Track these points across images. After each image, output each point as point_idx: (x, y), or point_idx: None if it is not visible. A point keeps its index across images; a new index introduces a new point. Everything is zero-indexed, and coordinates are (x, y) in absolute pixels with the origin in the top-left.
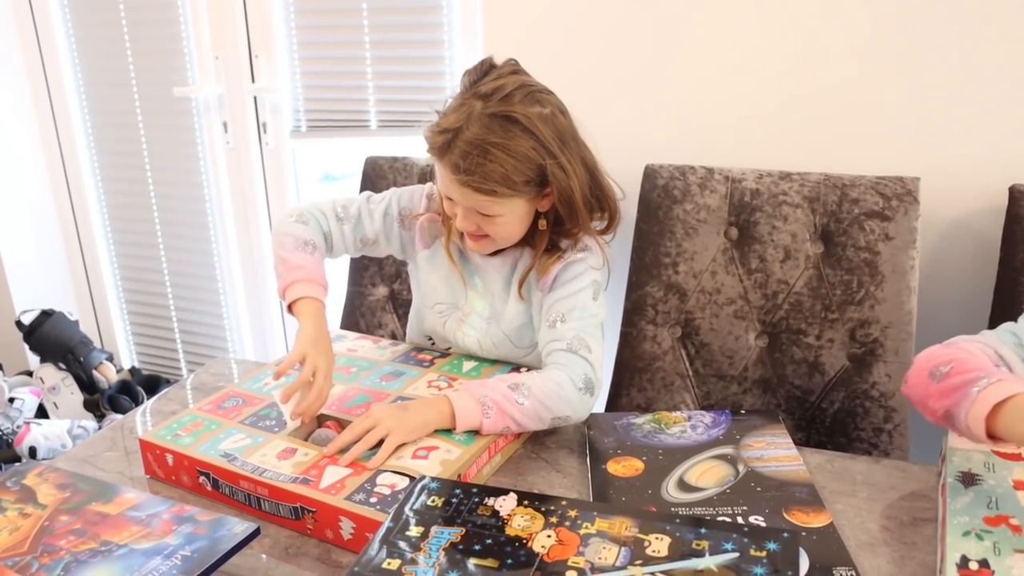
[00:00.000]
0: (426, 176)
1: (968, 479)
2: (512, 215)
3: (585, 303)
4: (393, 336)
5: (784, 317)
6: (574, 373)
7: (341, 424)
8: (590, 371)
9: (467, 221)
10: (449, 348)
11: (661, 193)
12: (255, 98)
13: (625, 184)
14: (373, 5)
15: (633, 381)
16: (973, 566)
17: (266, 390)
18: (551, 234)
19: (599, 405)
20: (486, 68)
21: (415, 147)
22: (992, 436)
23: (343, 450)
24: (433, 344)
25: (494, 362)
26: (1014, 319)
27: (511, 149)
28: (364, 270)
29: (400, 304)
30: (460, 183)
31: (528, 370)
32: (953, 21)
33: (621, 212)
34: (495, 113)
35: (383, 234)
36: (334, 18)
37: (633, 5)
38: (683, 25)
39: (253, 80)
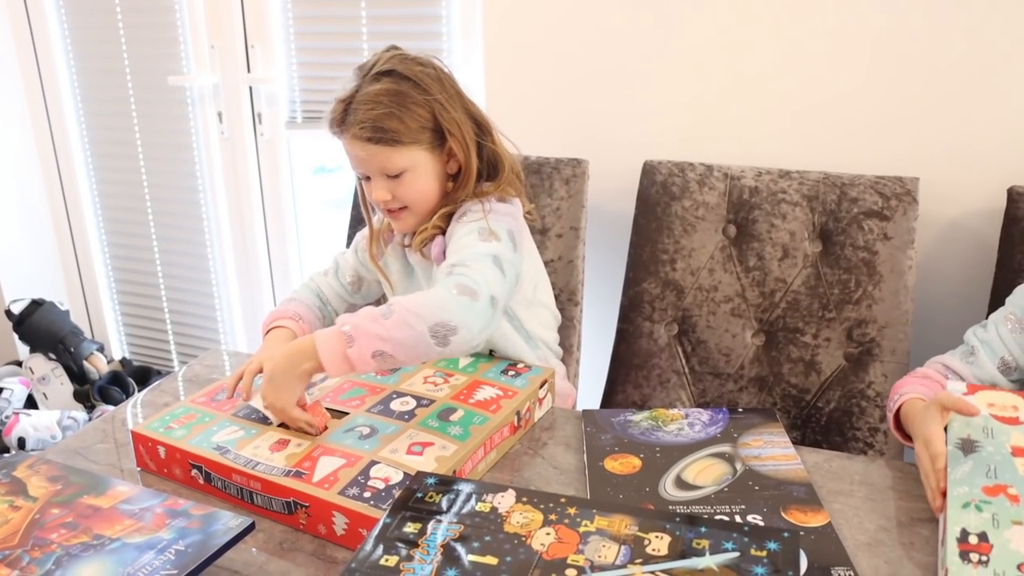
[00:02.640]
0: None
1: (967, 446)
2: (418, 170)
3: (470, 243)
4: None
5: (781, 316)
6: (446, 284)
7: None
8: (466, 280)
9: (380, 190)
10: None
11: (660, 189)
12: (250, 88)
13: (624, 180)
14: None
15: (629, 378)
16: (973, 540)
17: (259, 382)
18: (443, 208)
19: (594, 401)
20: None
21: None
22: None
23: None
24: None
25: (490, 358)
26: None
27: (401, 95)
28: None
29: None
30: (361, 140)
31: (525, 365)
32: (954, 22)
33: (520, 171)
34: (380, 72)
35: (361, 268)
36: (331, 8)
37: (633, 3)
38: (684, 22)
39: (249, 70)
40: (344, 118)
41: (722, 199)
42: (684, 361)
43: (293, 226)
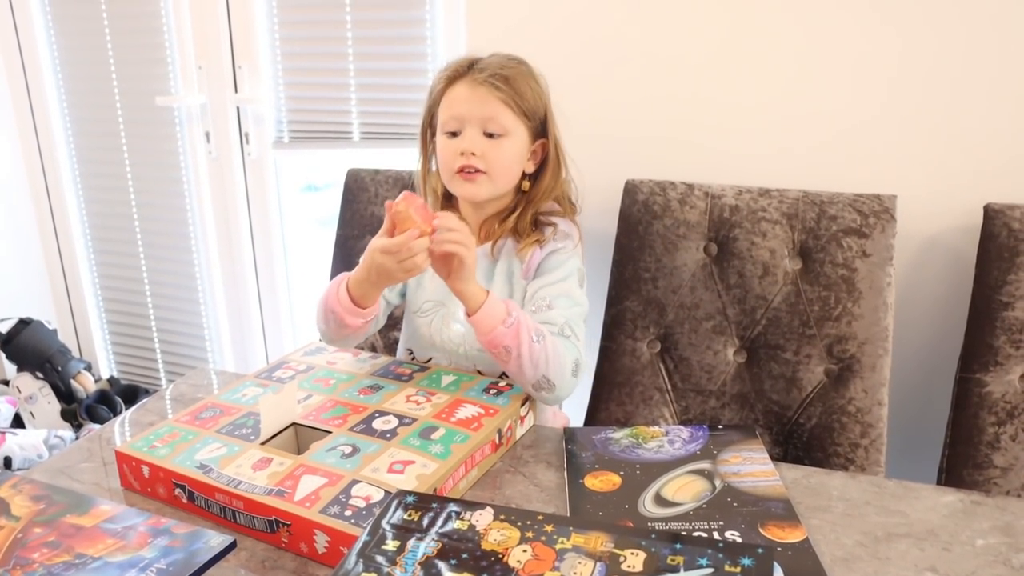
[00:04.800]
0: (409, 188)
1: None
2: (514, 142)
3: (572, 291)
4: (373, 349)
5: (762, 333)
6: (569, 351)
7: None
8: (579, 357)
9: (474, 141)
10: (429, 360)
11: (641, 208)
12: (238, 108)
13: (605, 199)
14: (357, 17)
15: (612, 395)
16: None
17: (244, 400)
18: (530, 210)
19: (577, 419)
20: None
21: (397, 159)
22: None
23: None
24: (413, 358)
25: (472, 377)
26: (989, 335)
27: (530, 74)
28: None
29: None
30: (485, 85)
31: (506, 383)
32: (930, 41)
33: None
34: (507, 55)
35: None
36: (318, 29)
37: (614, 23)
38: (665, 42)
39: (236, 90)
40: (465, 71)
41: (703, 217)
42: (667, 378)
43: (280, 245)
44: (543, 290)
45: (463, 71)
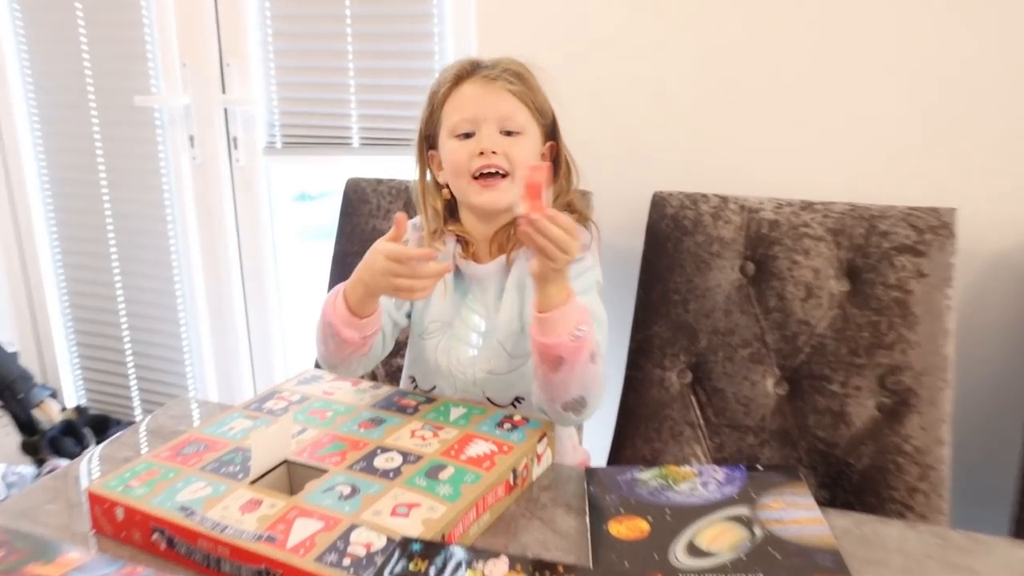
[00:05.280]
0: (404, 206)
1: None
2: (532, 142)
3: (595, 307)
4: (374, 378)
5: (806, 362)
6: (601, 371)
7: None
8: (604, 373)
9: (493, 140)
10: (433, 388)
11: (670, 224)
12: (225, 110)
13: (630, 213)
14: (357, 12)
15: (638, 431)
16: None
17: (232, 434)
18: None
19: (600, 457)
20: None
21: (401, 168)
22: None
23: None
24: (416, 386)
25: (483, 410)
26: None
27: (533, 74)
28: None
29: None
30: (493, 80)
31: (522, 416)
32: (992, 37)
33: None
34: (508, 57)
35: None
36: (314, 25)
37: (639, 22)
38: (695, 40)
39: (224, 90)
40: (473, 71)
41: (739, 234)
42: (699, 412)
43: (271, 260)
44: None
45: (469, 70)
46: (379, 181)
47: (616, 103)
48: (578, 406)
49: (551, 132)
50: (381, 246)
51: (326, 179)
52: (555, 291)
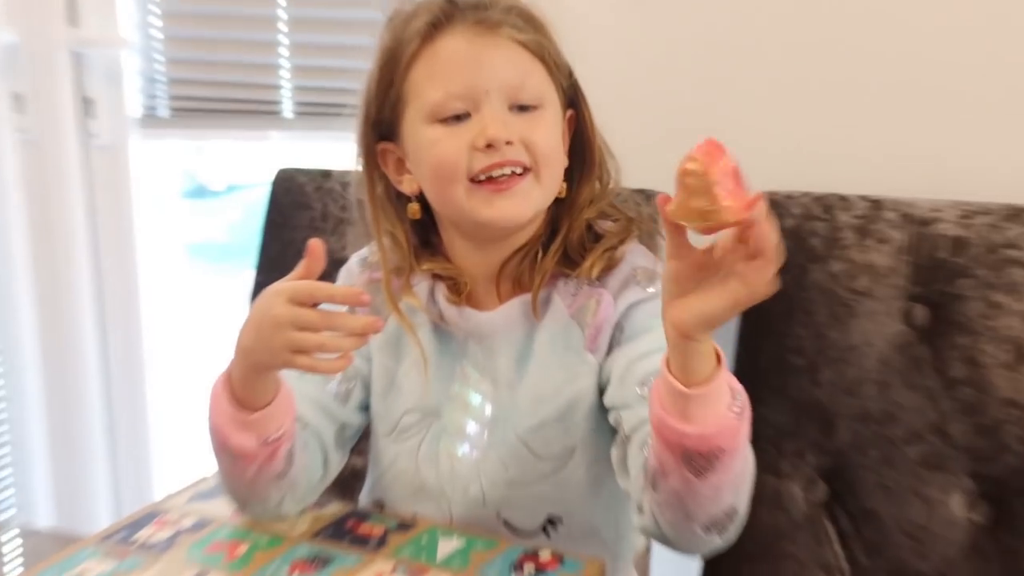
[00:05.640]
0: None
1: None
2: (554, 114)
3: None
4: None
5: (1018, 469)
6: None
7: None
8: None
9: (502, 123)
10: (414, 516)
11: (789, 243)
12: (76, 55)
13: None
14: None
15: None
16: None
17: None
18: (578, 226)
19: None
20: None
21: (348, 150)
22: None
23: None
24: (384, 512)
25: (492, 542)
26: None
27: (549, 29)
28: None
29: None
30: (493, 28)
31: (553, 554)
32: None
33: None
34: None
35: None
36: None
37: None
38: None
39: (72, 22)
40: (456, 12)
41: (901, 259)
42: (840, 549)
43: (147, 296)
44: (642, 365)
45: (450, 13)
46: (325, 173)
47: (692, 67)
48: (727, 521)
49: (570, 96)
50: (280, 285)
51: (241, 169)
52: (707, 349)
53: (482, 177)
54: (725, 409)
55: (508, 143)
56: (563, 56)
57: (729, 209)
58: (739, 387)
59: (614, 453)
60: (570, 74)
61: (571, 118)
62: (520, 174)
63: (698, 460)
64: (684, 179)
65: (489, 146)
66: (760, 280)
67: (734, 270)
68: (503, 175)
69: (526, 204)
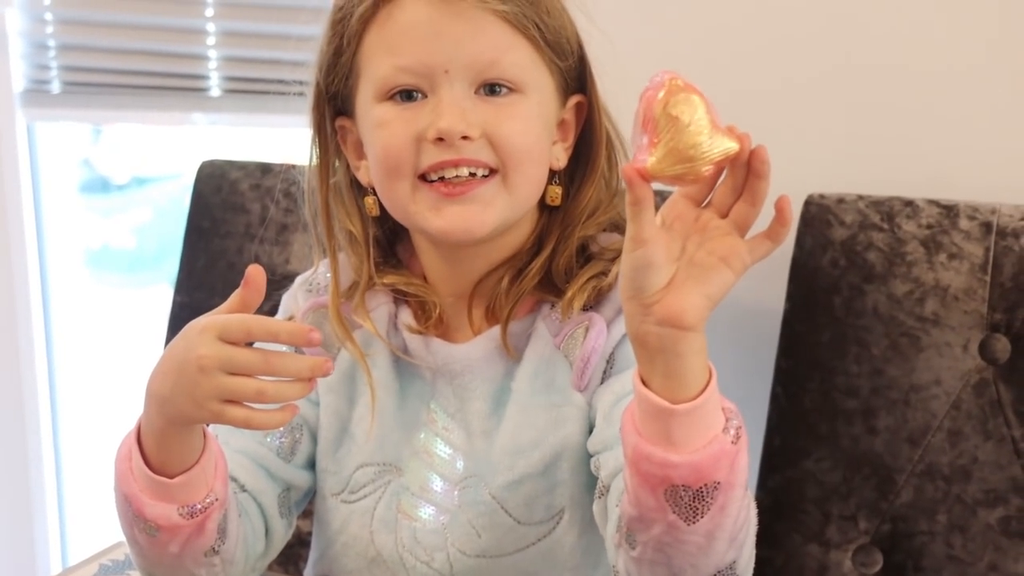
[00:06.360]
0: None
1: None
2: (537, 101)
3: None
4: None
5: None
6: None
7: None
8: None
9: (463, 108)
10: None
11: (840, 256)
12: None
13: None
14: None
15: None
16: None
17: None
18: (569, 245)
19: None
20: None
21: (294, 139)
22: None
23: None
24: None
25: None
26: None
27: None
28: None
29: None
30: None
31: None
32: None
33: None
34: None
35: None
36: None
37: None
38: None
39: None
40: None
41: (976, 277)
42: None
43: (32, 320)
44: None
45: None
46: (265, 168)
47: (740, 65)
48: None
49: (577, 79)
50: (206, 319)
51: (156, 158)
52: (701, 346)
53: (432, 176)
54: (719, 431)
55: (465, 138)
56: (568, 31)
57: (732, 133)
58: (732, 406)
59: (595, 509)
60: (575, 53)
61: (579, 105)
62: (485, 176)
63: (687, 498)
64: (670, 111)
65: (440, 139)
66: (749, 223)
67: (718, 229)
68: (458, 177)
69: (485, 215)
